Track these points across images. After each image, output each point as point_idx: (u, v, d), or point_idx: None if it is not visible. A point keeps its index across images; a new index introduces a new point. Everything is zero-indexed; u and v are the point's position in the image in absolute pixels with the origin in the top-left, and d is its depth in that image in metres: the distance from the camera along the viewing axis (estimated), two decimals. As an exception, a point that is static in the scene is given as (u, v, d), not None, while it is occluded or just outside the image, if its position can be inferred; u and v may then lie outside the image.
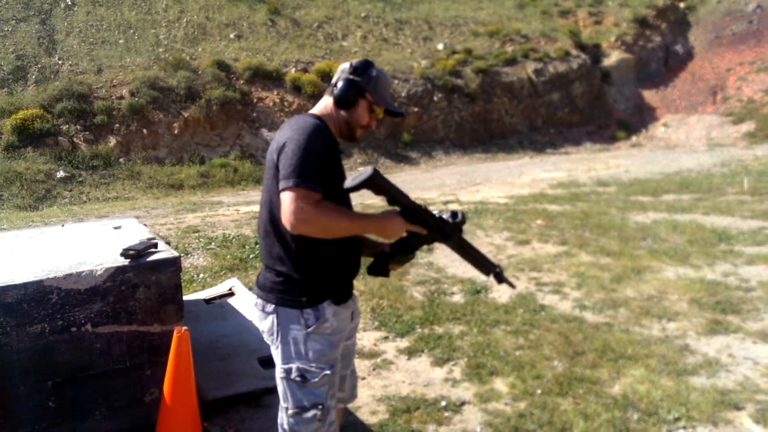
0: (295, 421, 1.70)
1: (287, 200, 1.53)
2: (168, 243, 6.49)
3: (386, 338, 3.93)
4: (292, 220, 1.53)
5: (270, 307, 1.72)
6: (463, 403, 3.01)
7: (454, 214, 1.80)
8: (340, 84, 1.75)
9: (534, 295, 4.68)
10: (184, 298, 2.66)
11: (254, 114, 15.84)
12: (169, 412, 2.34)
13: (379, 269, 1.91)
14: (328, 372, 1.69)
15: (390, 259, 1.88)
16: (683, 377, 3.17)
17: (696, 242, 6.07)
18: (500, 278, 1.95)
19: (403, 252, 1.87)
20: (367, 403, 3.04)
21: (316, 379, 1.68)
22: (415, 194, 10.79)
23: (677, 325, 3.96)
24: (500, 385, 3.19)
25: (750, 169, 11.85)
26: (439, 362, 3.51)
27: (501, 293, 4.77)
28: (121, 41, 17.24)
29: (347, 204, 1.81)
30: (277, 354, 1.73)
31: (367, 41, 21.20)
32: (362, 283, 5.08)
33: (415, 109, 18.16)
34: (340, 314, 1.77)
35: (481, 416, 2.87)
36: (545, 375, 3.24)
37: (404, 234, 1.77)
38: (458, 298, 4.68)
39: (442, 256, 5.95)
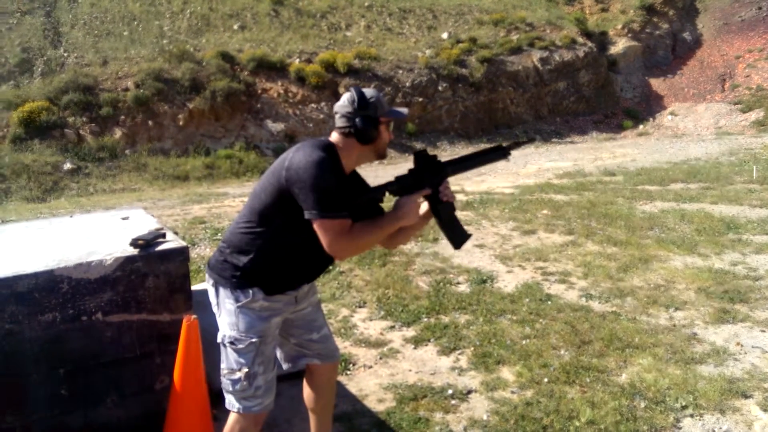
0: (227, 380, 1.94)
1: (323, 231, 1.75)
2: (175, 234, 6.52)
3: (392, 327, 3.95)
4: (336, 250, 1.78)
5: (211, 282, 1.97)
6: (469, 392, 3.02)
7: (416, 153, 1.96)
8: (358, 124, 1.85)
9: (540, 284, 4.68)
10: (192, 287, 2.67)
11: (258, 105, 15.82)
12: (179, 400, 2.36)
13: (455, 233, 2.00)
14: (254, 340, 1.89)
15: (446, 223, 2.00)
16: (691, 366, 3.17)
17: (704, 231, 6.05)
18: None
19: (448, 225, 1.99)
20: (374, 392, 3.06)
21: (243, 346, 1.89)
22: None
23: (684, 314, 3.95)
24: (507, 373, 3.20)
25: (758, 158, 11.76)
26: (445, 351, 3.52)
27: (507, 283, 4.77)
28: (125, 33, 17.23)
29: (370, 211, 1.97)
30: (219, 323, 1.97)
31: (371, 31, 21.09)
32: (368, 273, 5.10)
33: (420, 99, 18.08)
34: (274, 299, 1.93)
35: (487, 404, 2.88)
36: (552, 364, 3.25)
37: (421, 205, 1.94)
38: (464, 288, 4.69)
39: (447, 246, 5.94)
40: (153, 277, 2.43)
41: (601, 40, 24.04)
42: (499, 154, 2.04)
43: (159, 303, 2.45)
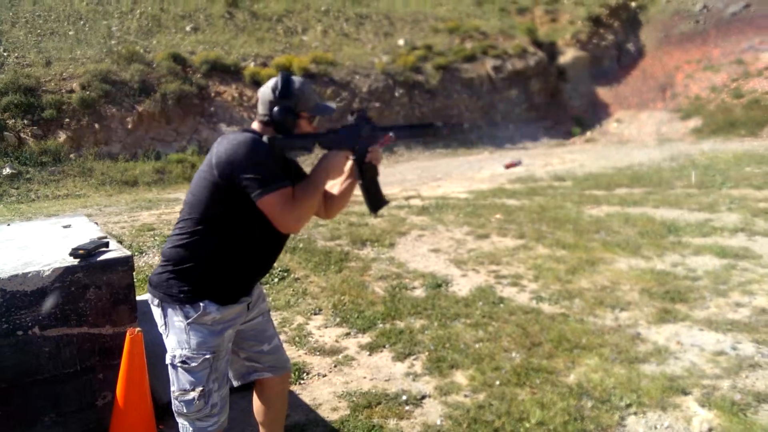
0: (180, 402, 1.84)
1: (271, 207, 1.68)
2: (121, 242, 6.29)
3: (348, 334, 3.93)
4: (287, 222, 1.72)
5: (156, 302, 1.86)
6: (423, 397, 3.03)
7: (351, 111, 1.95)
8: (275, 114, 1.78)
9: (493, 287, 4.76)
10: (139, 298, 2.58)
11: (212, 108, 15.50)
12: (122, 416, 2.28)
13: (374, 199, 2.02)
14: (208, 357, 1.81)
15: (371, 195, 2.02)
16: (634, 365, 3.29)
17: (647, 234, 6.29)
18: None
19: (370, 188, 2.00)
20: (328, 400, 3.03)
21: (196, 364, 1.80)
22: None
23: (629, 314, 4.09)
24: (460, 377, 3.23)
25: (697, 164, 12.34)
26: (400, 357, 3.53)
27: (461, 287, 4.83)
28: (71, 33, 16.58)
29: (300, 177, 1.95)
30: (167, 343, 1.86)
31: (328, 36, 21.04)
32: (323, 279, 5.06)
33: (377, 105, 18.14)
34: (227, 309, 1.85)
35: (441, 409, 2.90)
36: (504, 366, 3.30)
37: (347, 163, 1.93)
38: (419, 293, 4.71)
39: (403, 251, 5.98)
40: (94, 288, 2.33)
41: (551, 50, 24.77)
42: (430, 130, 2.11)
43: (101, 315, 2.35)
